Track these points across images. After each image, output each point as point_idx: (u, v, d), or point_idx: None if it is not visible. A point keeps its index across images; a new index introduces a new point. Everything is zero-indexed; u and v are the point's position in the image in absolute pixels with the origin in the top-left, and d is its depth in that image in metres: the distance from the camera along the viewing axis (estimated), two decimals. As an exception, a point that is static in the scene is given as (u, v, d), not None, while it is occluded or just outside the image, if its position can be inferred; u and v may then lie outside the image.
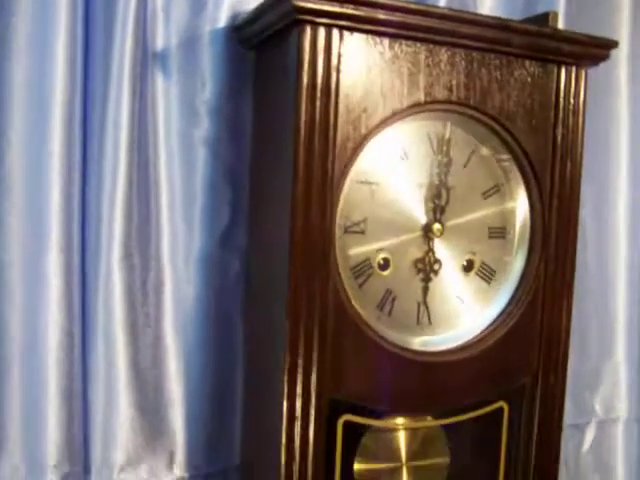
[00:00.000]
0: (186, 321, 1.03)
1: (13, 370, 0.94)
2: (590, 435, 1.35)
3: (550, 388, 1.05)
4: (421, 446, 1.05)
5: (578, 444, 1.34)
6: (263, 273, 1.01)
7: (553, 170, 1.02)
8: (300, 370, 0.90)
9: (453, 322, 1.02)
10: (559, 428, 1.07)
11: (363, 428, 1.01)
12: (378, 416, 0.99)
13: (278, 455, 0.92)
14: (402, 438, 1.04)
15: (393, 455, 1.04)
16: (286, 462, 0.91)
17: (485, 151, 1.01)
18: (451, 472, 1.07)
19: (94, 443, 1.00)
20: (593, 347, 1.32)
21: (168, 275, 1.02)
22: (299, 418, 0.91)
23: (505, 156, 1.01)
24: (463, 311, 1.03)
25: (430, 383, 0.97)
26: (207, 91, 1.02)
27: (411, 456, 1.05)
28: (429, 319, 1.01)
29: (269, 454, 0.96)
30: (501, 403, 1.05)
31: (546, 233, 1.02)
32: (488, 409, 1.04)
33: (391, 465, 1.04)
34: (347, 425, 0.96)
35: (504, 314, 1.03)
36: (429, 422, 1.05)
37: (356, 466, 1.03)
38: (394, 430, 1.04)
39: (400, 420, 1.03)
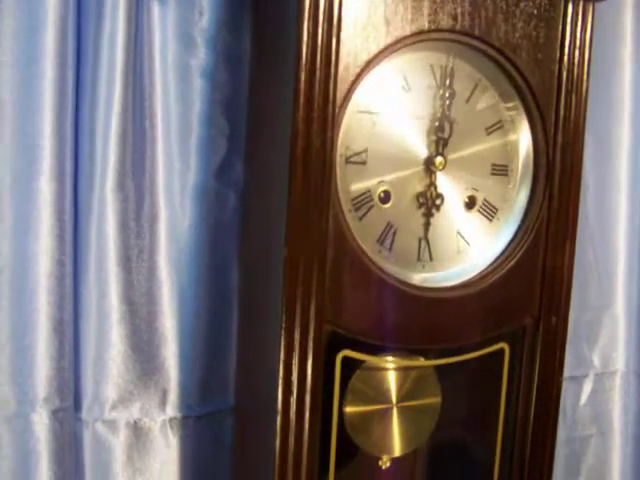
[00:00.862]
0: (181, 256, 1.01)
1: (1, 299, 0.91)
2: (588, 388, 1.33)
3: (552, 330, 1.03)
4: (412, 387, 1.03)
5: (576, 396, 1.33)
6: (260, 207, 0.99)
7: (558, 105, 0.99)
8: (299, 300, 0.88)
9: (454, 259, 1.00)
10: (560, 370, 1.05)
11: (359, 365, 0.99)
12: (377, 353, 0.96)
13: (275, 390, 0.90)
14: (392, 379, 1.02)
15: (383, 396, 1.02)
16: (283, 396, 0.89)
17: (489, 85, 0.99)
18: (450, 413, 1.05)
19: (85, 379, 0.98)
20: (592, 299, 1.30)
21: (163, 208, 0.99)
22: (297, 350, 0.89)
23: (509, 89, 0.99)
24: (465, 248, 1.00)
25: (430, 319, 0.95)
26: (204, 19, 0.99)
27: (401, 397, 1.02)
28: (430, 255, 0.99)
29: (265, 392, 0.94)
30: (502, 344, 1.03)
31: (550, 170, 1.00)
32: (488, 350, 1.02)
33: (381, 407, 1.02)
34: (346, 361, 0.94)
35: (506, 252, 1.01)
36: (428, 362, 1.03)
37: (346, 409, 1.00)
38: (386, 370, 1.01)
39: (399, 359, 1.00)
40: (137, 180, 0.97)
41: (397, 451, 1.02)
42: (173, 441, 1.03)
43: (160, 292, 1.00)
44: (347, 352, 0.94)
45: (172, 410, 1.02)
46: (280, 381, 0.89)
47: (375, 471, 1.02)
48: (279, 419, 0.89)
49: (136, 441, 1.00)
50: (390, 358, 0.99)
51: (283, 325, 0.88)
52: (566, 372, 1.27)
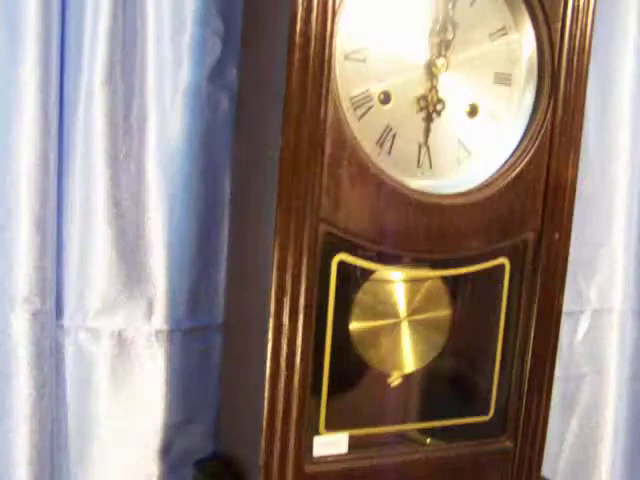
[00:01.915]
0: (170, 159, 0.96)
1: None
2: (584, 324, 1.30)
3: (554, 246, 1.00)
4: (420, 300, 0.99)
5: (572, 333, 1.30)
6: (254, 111, 0.94)
7: (565, 10, 0.96)
8: (294, 195, 0.84)
9: (455, 168, 0.97)
10: (562, 288, 1.02)
11: (358, 275, 0.94)
12: (374, 259, 0.92)
13: (267, 295, 0.86)
14: (399, 291, 0.98)
15: (390, 311, 0.98)
16: (276, 297, 0.85)
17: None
18: (453, 327, 1.02)
19: (68, 283, 0.93)
20: (590, 233, 1.27)
21: (153, 109, 0.95)
22: (291, 250, 0.85)
23: None
24: (465, 157, 0.97)
25: (429, 225, 0.92)
26: None
27: (410, 310, 0.98)
28: (430, 163, 0.95)
29: (257, 301, 0.90)
30: (502, 259, 1.00)
31: (554, 79, 0.97)
32: (488, 265, 0.99)
33: (389, 321, 0.98)
34: (341, 266, 0.90)
35: (508, 163, 0.97)
36: (428, 272, 0.99)
37: (352, 326, 0.96)
38: (390, 282, 0.97)
39: (396, 267, 0.96)
40: (127, 79, 0.93)
41: (403, 368, 0.99)
42: (159, 354, 0.98)
43: (148, 196, 0.95)
44: (343, 256, 0.90)
45: (158, 322, 0.98)
46: (273, 283, 0.85)
47: (370, 386, 0.98)
48: (271, 322, 0.85)
49: (120, 352, 0.96)
50: (388, 266, 0.95)
51: (277, 222, 0.84)
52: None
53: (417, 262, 0.96)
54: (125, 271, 0.95)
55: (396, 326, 0.98)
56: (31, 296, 0.87)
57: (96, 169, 0.91)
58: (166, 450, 1.01)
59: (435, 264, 0.97)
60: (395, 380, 0.98)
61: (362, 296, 0.95)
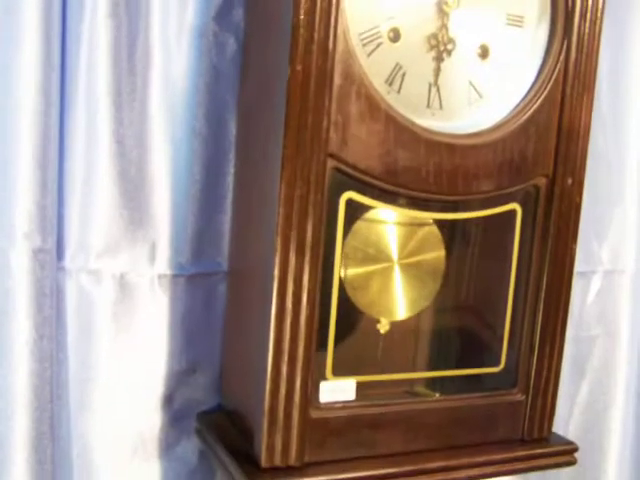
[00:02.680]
0: (175, 100, 0.94)
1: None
2: (596, 285, 1.28)
3: (567, 192, 0.98)
4: (416, 244, 0.96)
5: (583, 294, 1.27)
6: (261, 52, 0.92)
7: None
8: (301, 127, 0.81)
9: (465, 110, 0.94)
10: (574, 237, 0.99)
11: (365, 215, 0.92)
12: (383, 199, 0.90)
13: (274, 231, 0.83)
14: (396, 234, 0.95)
15: (383, 255, 0.95)
16: (282, 232, 0.83)
17: None
18: (457, 277, 0.99)
19: (69, 224, 0.91)
20: (602, 192, 1.25)
21: (157, 48, 0.93)
22: (299, 184, 0.82)
23: None
24: (476, 100, 0.95)
25: (439, 165, 0.89)
26: None
27: (404, 254, 0.96)
28: (440, 103, 0.93)
29: (262, 243, 0.87)
30: (513, 205, 0.97)
31: (568, 20, 0.95)
32: (499, 210, 0.97)
33: (381, 265, 0.95)
34: (350, 205, 0.88)
35: (520, 106, 0.95)
36: (439, 215, 0.96)
37: (361, 268, 0.94)
38: (390, 223, 0.95)
39: (405, 209, 0.93)
40: (131, 15, 0.90)
41: (398, 314, 0.96)
42: (162, 299, 0.96)
43: (152, 137, 0.93)
44: (352, 194, 0.88)
45: (161, 266, 0.95)
46: (280, 217, 0.82)
47: (376, 335, 0.95)
48: (277, 258, 0.83)
49: (122, 296, 0.93)
50: (396, 207, 0.92)
51: (284, 156, 0.82)
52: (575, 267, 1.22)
53: (427, 204, 0.93)
54: (128, 213, 0.93)
55: (394, 270, 0.95)
56: (31, 232, 0.85)
57: (99, 105, 0.89)
58: (168, 400, 0.99)
59: (446, 207, 0.94)
60: (383, 326, 0.95)
61: (367, 238, 0.93)
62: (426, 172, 0.89)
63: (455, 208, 0.95)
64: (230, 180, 0.98)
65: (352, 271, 0.93)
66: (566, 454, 1.03)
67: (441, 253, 0.97)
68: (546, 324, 0.99)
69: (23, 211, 0.85)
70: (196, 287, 0.98)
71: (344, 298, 0.90)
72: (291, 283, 0.84)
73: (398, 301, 0.96)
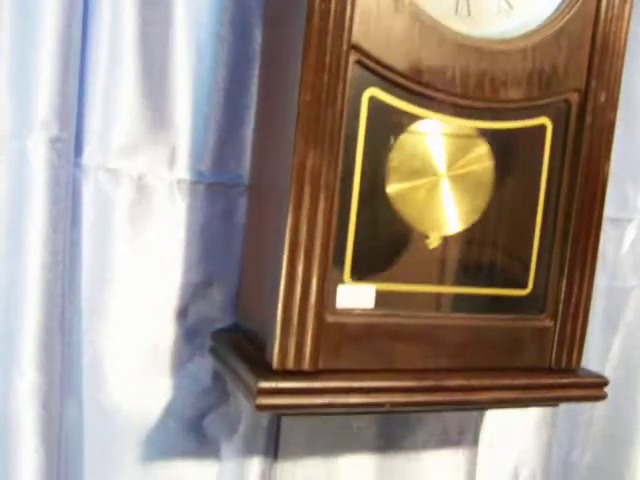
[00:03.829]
0: (201, 4, 0.93)
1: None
2: (631, 234, 1.23)
3: (600, 108, 0.94)
4: (458, 156, 0.92)
5: (617, 242, 1.22)
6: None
7: None
8: (324, 15, 0.79)
9: (494, 20, 0.91)
10: (608, 155, 0.95)
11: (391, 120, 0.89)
12: (409, 99, 0.87)
13: (294, 119, 0.81)
14: (434, 145, 0.92)
15: (428, 168, 0.92)
16: (301, 119, 0.81)
17: None
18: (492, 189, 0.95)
19: (90, 118, 0.90)
20: (638, 133, 1.20)
21: (183, -49, 0.92)
22: (320, 73, 0.80)
23: None
24: (506, 10, 0.92)
25: (466, 67, 0.86)
26: None
27: (448, 167, 0.92)
28: (468, 10, 0.90)
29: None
30: (544, 120, 0.94)
31: None
32: (529, 123, 0.93)
33: (428, 179, 0.92)
34: (372, 104, 0.85)
35: (552, 16, 0.92)
36: (464, 122, 0.92)
37: (388, 190, 0.91)
38: (423, 134, 0.92)
39: (431, 111, 0.90)
40: None
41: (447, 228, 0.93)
42: (180, 206, 0.94)
43: (176, 39, 0.91)
44: (375, 91, 0.85)
45: (180, 171, 0.93)
46: (299, 106, 0.80)
47: (403, 241, 0.92)
48: (296, 149, 0.81)
49: (139, 198, 0.92)
50: (419, 108, 0.89)
51: (306, 41, 0.80)
52: (608, 212, 1.17)
53: (453, 109, 0.90)
54: (150, 114, 0.92)
55: (434, 184, 0.92)
56: (50, 120, 0.84)
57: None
58: (183, 312, 0.96)
59: (472, 114, 0.91)
60: (434, 242, 0.92)
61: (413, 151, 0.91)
62: (452, 74, 0.87)
63: (482, 116, 0.91)
64: (254, 90, 0.97)
65: (397, 185, 0.90)
66: (596, 387, 0.98)
67: (488, 165, 0.94)
68: (576, 247, 0.95)
69: (42, 98, 0.84)
70: (216, 197, 0.96)
71: (366, 198, 0.87)
72: (308, 176, 0.81)
73: (448, 215, 0.92)
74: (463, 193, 0.93)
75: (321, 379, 0.84)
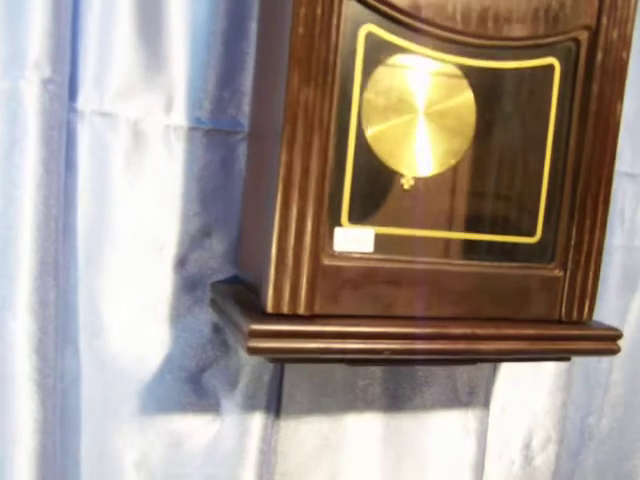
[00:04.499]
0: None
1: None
2: (649, 191, 1.18)
3: (612, 47, 0.90)
4: (440, 92, 0.89)
5: (636, 198, 1.18)
6: None
7: None
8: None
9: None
10: (620, 95, 0.91)
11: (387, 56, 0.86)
12: (408, 37, 0.84)
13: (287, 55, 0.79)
14: (418, 83, 0.88)
15: (405, 105, 0.88)
16: (294, 55, 0.78)
17: None
18: (488, 135, 0.92)
19: (84, 61, 0.88)
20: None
21: None
22: (314, 4, 0.78)
23: None
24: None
25: (467, 2, 0.83)
26: None
27: (429, 104, 0.89)
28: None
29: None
30: (551, 60, 0.90)
31: None
32: (536, 63, 0.90)
33: (405, 118, 0.88)
34: (369, 40, 0.83)
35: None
36: (468, 61, 0.88)
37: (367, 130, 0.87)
38: (409, 69, 0.88)
39: (431, 50, 0.86)
40: None
41: (422, 170, 0.89)
42: (177, 152, 0.92)
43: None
44: (371, 27, 0.83)
45: (177, 117, 0.92)
46: (292, 37, 0.78)
47: (401, 190, 0.89)
48: (289, 84, 0.78)
49: (135, 143, 0.90)
50: (418, 46, 0.85)
51: None
52: (625, 167, 1.14)
53: (454, 48, 0.86)
54: (145, 58, 0.90)
55: (419, 121, 0.88)
56: (42, 61, 0.82)
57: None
58: (181, 262, 0.94)
59: (475, 53, 0.87)
60: (407, 182, 0.88)
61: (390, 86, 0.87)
62: (453, 9, 0.84)
63: (486, 55, 0.88)
64: (253, 36, 0.95)
65: (374, 122, 0.87)
66: (609, 340, 0.94)
67: (470, 104, 0.90)
68: (587, 194, 0.91)
69: (34, 39, 0.82)
70: (214, 145, 0.94)
71: (364, 145, 0.84)
72: (302, 111, 0.79)
73: (423, 155, 0.89)
74: (444, 132, 0.90)
75: (317, 323, 0.81)
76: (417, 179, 0.88)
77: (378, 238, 0.86)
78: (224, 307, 0.89)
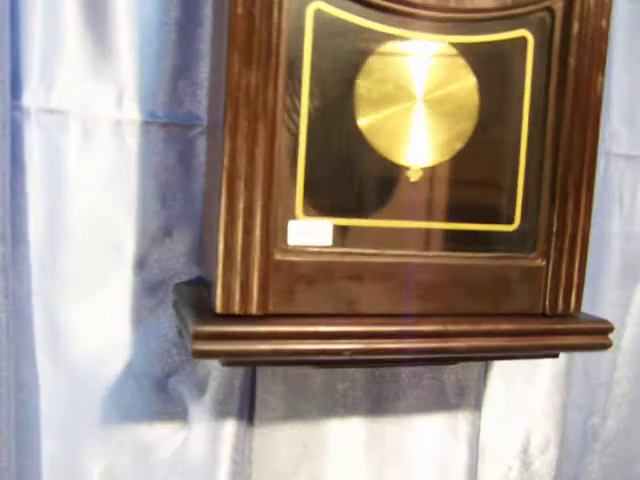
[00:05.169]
0: None
1: None
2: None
3: (590, 14, 0.83)
4: (438, 75, 0.83)
5: (633, 182, 1.09)
6: None
7: None
8: None
9: None
10: (600, 68, 0.84)
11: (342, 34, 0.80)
12: (358, 12, 0.78)
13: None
14: (413, 69, 0.82)
15: (402, 92, 0.82)
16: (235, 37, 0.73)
17: None
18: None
19: (28, 57, 0.84)
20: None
21: None
22: None
23: None
24: None
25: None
26: None
27: (428, 89, 0.83)
28: None
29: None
30: (523, 32, 0.84)
31: None
32: (506, 36, 0.83)
33: (402, 106, 0.82)
34: (320, 19, 0.77)
35: None
36: (430, 36, 0.82)
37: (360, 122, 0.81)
38: (401, 55, 0.82)
39: (387, 26, 0.80)
40: None
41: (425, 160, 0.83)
42: (132, 147, 0.87)
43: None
44: (320, 4, 0.77)
45: (130, 111, 0.87)
46: (231, 20, 0.73)
47: (365, 170, 0.82)
48: (232, 70, 0.73)
49: (87, 141, 0.85)
50: (373, 23, 0.79)
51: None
52: (622, 149, 1.07)
53: (413, 23, 0.80)
54: (92, 49, 0.86)
55: (408, 110, 0.82)
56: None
57: None
58: (140, 263, 0.90)
59: (435, 28, 0.81)
60: (414, 174, 0.82)
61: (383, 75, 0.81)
62: (414, -20, 0.78)
63: (448, 30, 0.81)
64: (208, 24, 0.90)
65: (368, 114, 0.81)
66: (598, 333, 0.86)
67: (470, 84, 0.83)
68: (567, 175, 0.84)
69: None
70: (171, 139, 0.89)
71: (321, 129, 0.79)
72: (244, 96, 0.74)
73: (424, 144, 0.83)
74: (441, 119, 0.83)
75: (269, 323, 0.76)
76: (385, 166, 0.82)
77: (337, 230, 0.80)
78: (180, 309, 0.84)
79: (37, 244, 0.87)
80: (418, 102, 0.82)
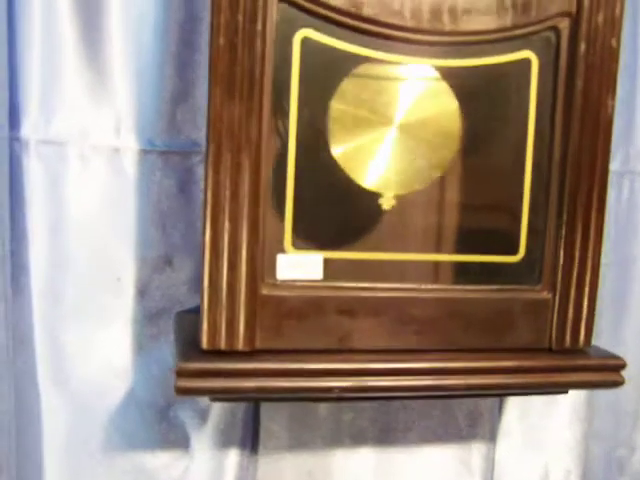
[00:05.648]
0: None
1: None
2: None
3: (598, 33, 0.78)
4: (420, 102, 0.80)
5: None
6: None
7: None
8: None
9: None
10: (612, 89, 0.79)
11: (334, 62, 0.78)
12: (348, 39, 0.76)
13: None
14: (389, 90, 0.79)
15: (379, 114, 0.79)
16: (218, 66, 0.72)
17: None
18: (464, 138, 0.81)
19: (26, 89, 0.84)
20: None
21: None
22: (239, 12, 0.71)
23: None
24: None
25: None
26: None
27: (404, 115, 0.80)
28: None
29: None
30: (527, 53, 0.79)
31: None
32: (507, 59, 0.79)
33: (377, 131, 0.80)
34: (308, 47, 0.75)
35: None
36: (423, 60, 0.79)
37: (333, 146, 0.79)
38: (380, 79, 0.79)
39: (380, 52, 0.77)
40: None
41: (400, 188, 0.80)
42: (131, 176, 0.87)
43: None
44: (308, 32, 0.75)
45: (128, 140, 0.87)
46: (213, 50, 0.72)
47: (356, 202, 0.80)
48: (212, 101, 0.72)
49: (86, 170, 0.85)
50: (365, 49, 0.76)
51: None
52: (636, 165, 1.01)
53: (405, 47, 0.77)
54: (90, 79, 0.86)
55: (384, 135, 0.79)
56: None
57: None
58: (141, 292, 0.90)
59: (430, 52, 0.78)
60: (387, 201, 0.79)
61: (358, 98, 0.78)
62: (400, 4, 0.75)
63: (444, 54, 0.78)
64: (206, 50, 0.88)
65: (341, 139, 0.78)
66: (609, 370, 0.82)
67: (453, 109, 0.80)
68: (576, 203, 0.80)
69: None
70: (170, 167, 0.89)
71: (310, 160, 0.77)
72: (226, 129, 0.72)
73: (402, 171, 0.80)
74: (421, 145, 0.80)
75: (255, 360, 0.75)
76: (375, 198, 0.79)
77: (328, 263, 0.78)
78: (174, 341, 0.83)
79: (38, 274, 0.87)
80: (393, 127, 0.79)
